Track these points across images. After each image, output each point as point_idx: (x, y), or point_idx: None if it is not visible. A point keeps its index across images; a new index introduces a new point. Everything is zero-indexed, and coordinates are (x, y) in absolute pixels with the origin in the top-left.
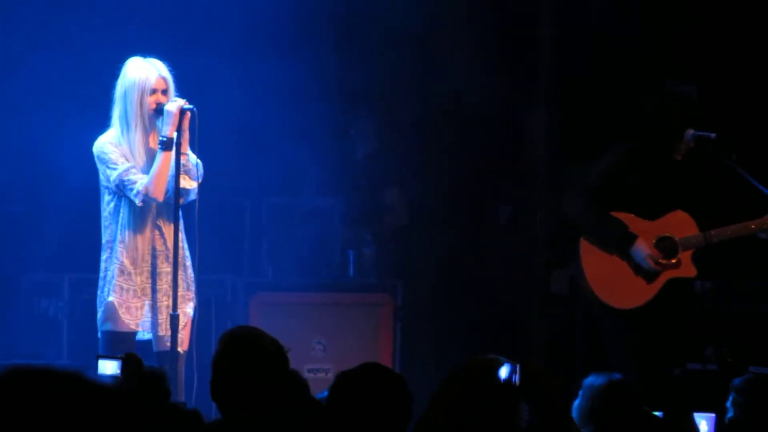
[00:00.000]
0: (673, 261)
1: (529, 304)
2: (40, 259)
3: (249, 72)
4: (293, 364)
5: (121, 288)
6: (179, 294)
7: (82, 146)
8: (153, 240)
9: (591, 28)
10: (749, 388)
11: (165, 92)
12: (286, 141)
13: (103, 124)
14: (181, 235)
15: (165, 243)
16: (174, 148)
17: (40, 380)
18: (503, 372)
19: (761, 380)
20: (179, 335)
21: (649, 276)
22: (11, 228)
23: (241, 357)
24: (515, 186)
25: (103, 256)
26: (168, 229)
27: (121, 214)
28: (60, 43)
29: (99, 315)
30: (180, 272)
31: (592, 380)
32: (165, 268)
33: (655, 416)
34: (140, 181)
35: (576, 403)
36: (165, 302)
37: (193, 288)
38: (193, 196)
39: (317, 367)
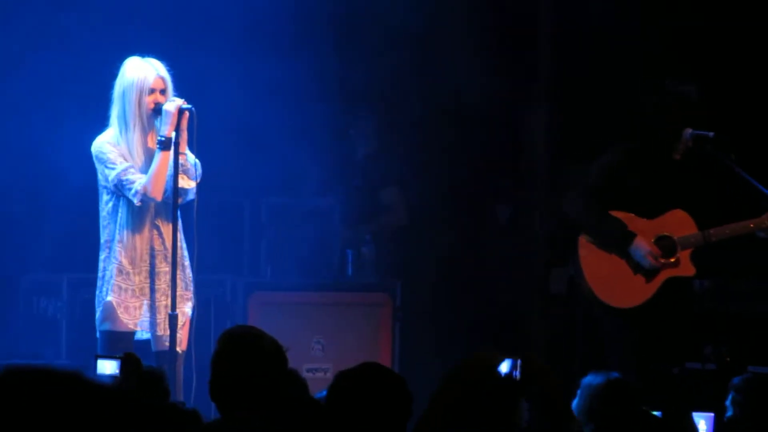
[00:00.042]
0: (672, 260)
1: (529, 304)
2: (40, 259)
3: (249, 72)
4: (292, 364)
5: (120, 288)
6: (178, 294)
7: (82, 146)
8: (151, 240)
9: (591, 28)
10: (748, 387)
11: (163, 92)
12: (286, 141)
13: (103, 124)
14: (180, 235)
15: (163, 243)
16: (172, 147)
17: (39, 380)
18: (504, 367)
19: (760, 379)
20: (178, 335)
21: (648, 275)
22: (11, 228)
23: (240, 357)
24: (515, 186)
25: (102, 256)
26: (166, 229)
27: (119, 214)
28: (60, 43)
29: (97, 315)
30: (178, 272)
31: (590, 379)
32: (163, 268)
33: (654, 415)
34: (139, 181)
35: (574, 402)
36: (163, 302)
37: (191, 288)
38: (191, 196)
39: (316, 366)
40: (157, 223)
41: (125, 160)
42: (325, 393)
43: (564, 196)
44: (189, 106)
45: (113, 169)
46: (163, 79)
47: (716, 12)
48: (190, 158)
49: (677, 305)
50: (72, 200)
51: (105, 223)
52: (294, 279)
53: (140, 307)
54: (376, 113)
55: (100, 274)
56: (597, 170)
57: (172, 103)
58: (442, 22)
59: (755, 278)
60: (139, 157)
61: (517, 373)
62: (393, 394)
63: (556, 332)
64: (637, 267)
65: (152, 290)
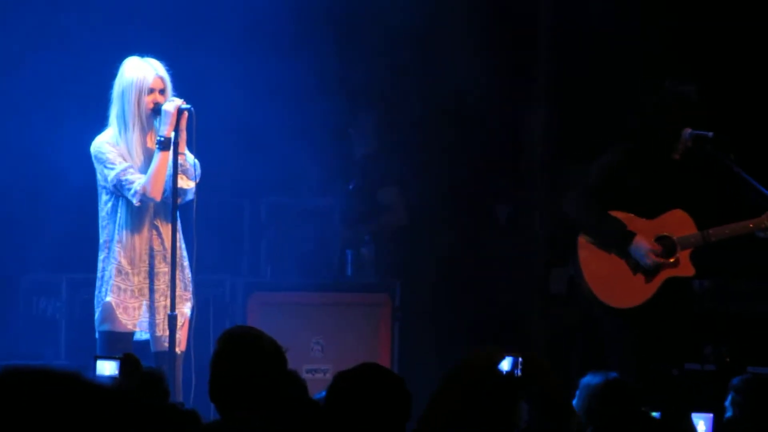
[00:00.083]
0: (672, 260)
1: (529, 304)
2: (40, 259)
3: (249, 72)
4: (292, 364)
5: (119, 288)
6: (177, 294)
7: (82, 146)
8: (150, 240)
9: (590, 28)
10: (748, 387)
11: (162, 92)
12: (286, 140)
13: (103, 124)
14: (179, 235)
15: (162, 243)
16: (171, 147)
17: (39, 381)
18: (505, 364)
19: (760, 380)
20: (177, 335)
21: (648, 275)
22: (11, 228)
23: (240, 357)
24: (515, 186)
25: (101, 256)
26: (165, 229)
27: (118, 214)
28: (60, 43)
29: (96, 315)
30: (177, 272)
31: (588, 379)
32: (162, 269)
33: (653, 416)
34: (138, 181)
35: (573, 402)
36: (162, 302)
37: (190, 288)
38: (190, 196)
39: (316, 367)
40: (156, 223)
41: (124, 160)
42: (324, 394)
43: (564, 196)
44: (188, 106)
45: (112, 169)
46: (162, 79)
47: (716, 12)
48: (189, 158)
49: (677, 305)
50: (72, 200)
51: (104, 223)
52: (293, 279)
53: (139, 307)
54: (376, 113)
55: (99, 275)
56: (597, 170)
57: (172, 103)
58: (442, 22)
59: (755, 278)
60: (139, 157)
61: (519, 372)
62: (392, 395)
63: (556, 332)
64: (636, 267)
65: (151, 291)
